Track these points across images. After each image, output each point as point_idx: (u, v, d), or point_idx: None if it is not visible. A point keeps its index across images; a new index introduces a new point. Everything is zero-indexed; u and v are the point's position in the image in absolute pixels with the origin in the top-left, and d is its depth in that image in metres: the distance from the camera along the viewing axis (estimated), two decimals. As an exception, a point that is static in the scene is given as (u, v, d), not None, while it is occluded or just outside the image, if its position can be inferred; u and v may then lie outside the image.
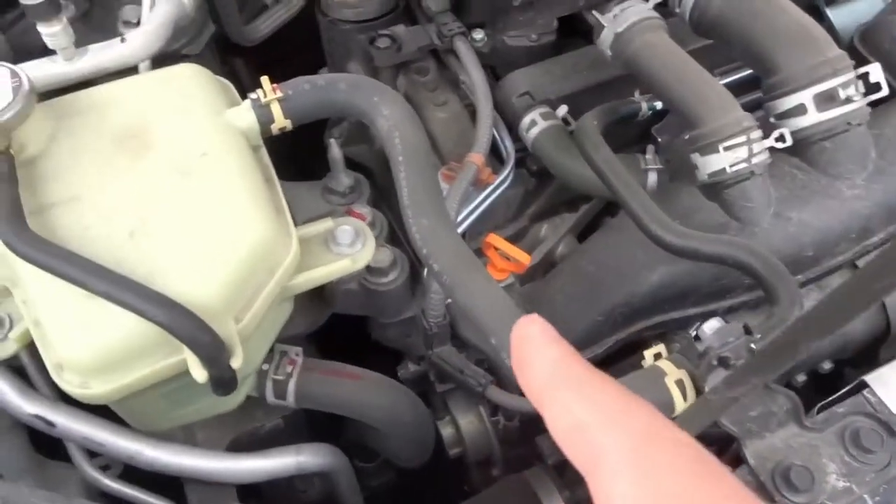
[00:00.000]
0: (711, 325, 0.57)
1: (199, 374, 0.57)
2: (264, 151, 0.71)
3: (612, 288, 0.81)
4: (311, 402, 0.73)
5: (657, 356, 0.61)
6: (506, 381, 0.81)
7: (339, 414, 0.74)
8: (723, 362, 0.56)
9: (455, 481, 1.05)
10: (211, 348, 0.56)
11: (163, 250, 0.59)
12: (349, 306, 0.86)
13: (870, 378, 0.65)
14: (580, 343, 0.84)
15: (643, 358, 0.62)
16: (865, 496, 0.58)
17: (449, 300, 0.81)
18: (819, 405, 0.66)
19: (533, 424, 0.88)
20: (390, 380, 0.76)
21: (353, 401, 0.73)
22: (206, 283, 0.58)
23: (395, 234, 1.01)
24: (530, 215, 0.97)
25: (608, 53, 0.84)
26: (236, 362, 0.58)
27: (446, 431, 0.96)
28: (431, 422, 0.80)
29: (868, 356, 0.98)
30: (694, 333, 0.86)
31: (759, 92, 0.84)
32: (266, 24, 1.15)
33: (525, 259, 0.87)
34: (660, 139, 0.93)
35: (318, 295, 0.80)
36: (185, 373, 0.57)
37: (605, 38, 0.84)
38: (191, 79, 0.71)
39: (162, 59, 0.85)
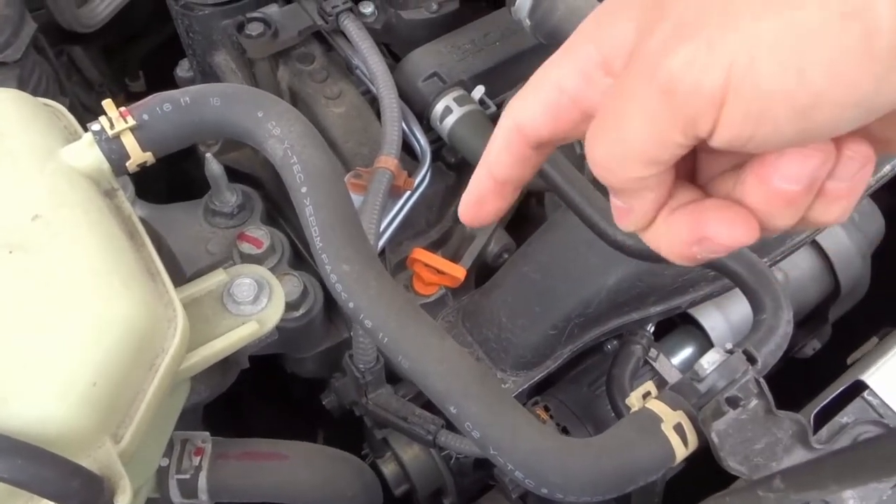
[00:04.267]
0: (711, 360, 0.48)
1: (74, 526, 0.42)
2: (122, 195, 0.55)
3: (563, 297, 0.70)
4: (228, 495, 0.59)
5: (646, 395, 0.51)
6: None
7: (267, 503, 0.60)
8: (732, 403, 0.46)
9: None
10: (84, 494, 0.41)
11: (-6, 364, 0.43)
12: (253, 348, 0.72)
13: (868, 378, 0.58)
14: (531, 360, 0.74)
15: (627, 395, 0.52)
16: (889, 517, 0.52)
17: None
18: (814, 412, 0.59)
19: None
20: (326, 449, 0.63)
21: (281, 486, 0.59)
22: (63, 401, 0.43)
23: (299, 254, 0.86)
24: (454, 214, 0.85)
25: (527, 23, 0.72)
26: (124, 499, 0.43)
27: (388, 469, 0.84)
28: (379, 485, 0.68)
29: (818, 316, 0.95)
30: (651, 329, 0.78)
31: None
32: (105, 5, 0.96)
33: (460, 273, 0.75)
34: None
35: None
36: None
37: (522, 6, 0.71)
38: (6, 110, 0.53)
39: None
